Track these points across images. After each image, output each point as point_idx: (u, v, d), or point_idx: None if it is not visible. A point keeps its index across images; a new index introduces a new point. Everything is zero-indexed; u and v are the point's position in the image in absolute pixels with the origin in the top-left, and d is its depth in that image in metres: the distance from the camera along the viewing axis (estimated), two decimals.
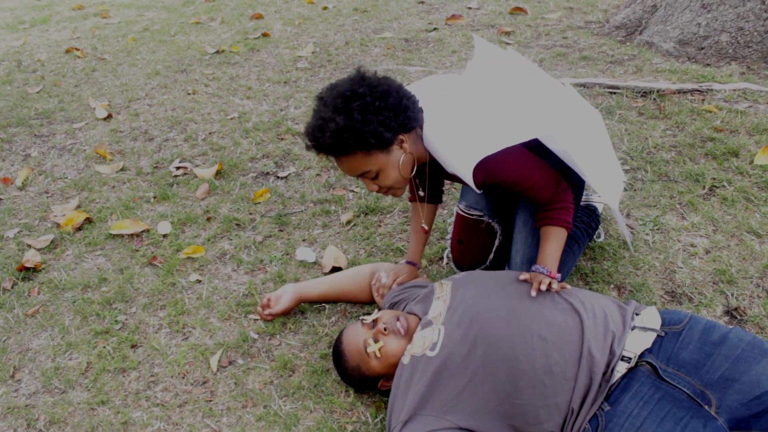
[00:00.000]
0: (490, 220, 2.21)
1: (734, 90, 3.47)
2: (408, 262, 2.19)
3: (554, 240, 1.86)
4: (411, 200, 2.18)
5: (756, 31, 3.85)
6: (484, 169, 1.73)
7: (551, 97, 1.85)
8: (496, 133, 1.71)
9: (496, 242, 2.24)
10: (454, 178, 1.94)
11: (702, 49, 3.98)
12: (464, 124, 1.74)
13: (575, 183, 2.01)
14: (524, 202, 2.07)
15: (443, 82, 1.90)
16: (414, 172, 1.83)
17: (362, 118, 1.61)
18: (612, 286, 2.23)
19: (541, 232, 1.90)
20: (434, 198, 2.18)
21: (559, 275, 1.81)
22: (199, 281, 2.39)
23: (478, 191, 1.81)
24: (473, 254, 2.26)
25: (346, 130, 1.61)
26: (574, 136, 1.80)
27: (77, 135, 3.62)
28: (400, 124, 1.67)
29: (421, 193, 2.04)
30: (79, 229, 2.74)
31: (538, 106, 1.80)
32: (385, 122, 1.63)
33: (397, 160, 1.72)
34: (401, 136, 1.70)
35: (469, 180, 1.71)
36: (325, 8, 5.76)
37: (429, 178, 2.02)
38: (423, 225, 2.15)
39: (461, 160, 1.70)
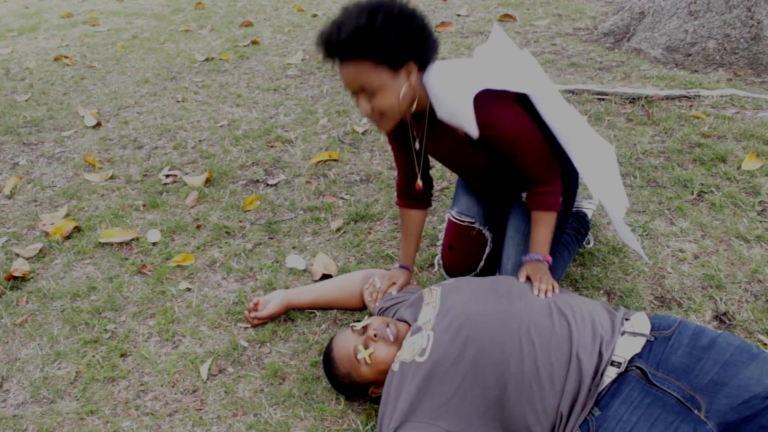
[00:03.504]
0: (482, 227, 2.21)
1: (721, 96, 3.50)
2: (401, 267, 2.18)
3: (545, 225, 1.88)
4: (399, 204, 2.16)
5: (742, 37, 3.89)
6: (485, 112, 1.70)
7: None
8: (502, 77, 1.72)
9: (487, 249, 2.24)
10: (450, 141, 1.88)
11: (689, 55, 4.01)
12: (469, 68, 1.75)
13: (569, 173, 2.01)
14: (515, 209, 2.07)
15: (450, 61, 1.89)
16: (411, 112, 1.77)
17: (383, 27, 1.56)
18: (602, 291, 2.23)
19: (532, 216, 1.91)
20: (426, 193, 2.13)
21: (551, 258, 1.86)
22: (188, 289, 2.38)
23: (475, 135, 1.74)
24: (464, 261, 2.26)
25: (365, 32, 1.56)
26: (579, 129, 1.84)
27: (66, 143, 3.61)
28: (417, 49, 1.64)
29: (417, 146, 1.95)
30: (68, 237, 2.72)
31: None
32: (404, 39, 1.60)
33: (399, 87, 1.66)
34: (412, 64, 1.66)
35: (470, 118, 1.68)
36: (314, 16, 5.77)
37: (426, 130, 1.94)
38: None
39: (462, 93, 1.68)
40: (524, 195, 2.02)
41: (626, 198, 2.06)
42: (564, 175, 1.97)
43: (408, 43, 1.61)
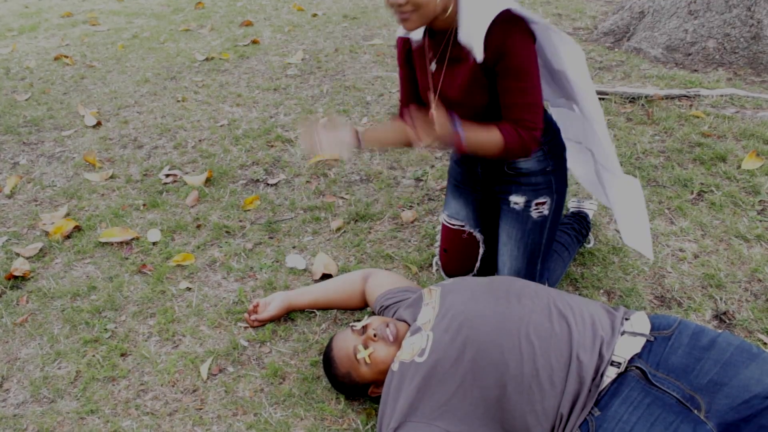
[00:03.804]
0: (472, 230, 2.21)
1: (721, 96, 3.50)
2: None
3: (489, 134, 1.80)
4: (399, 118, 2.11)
5: (742, 37, 3.89)
6: (504, 33, 1.71)
7: None
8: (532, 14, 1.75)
9: (480, 251, 2.25)
10: (463, 68, 1.85)
11: (689, 55, 4.01)
12: None
13: (559, 173, 2.03)
14: (505, 214, 2.07)
15: None
16: (442, 17, 1.76)
17: None
18: (602, 291, 2.24)
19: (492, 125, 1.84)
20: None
21: (462, 134, 1.77)
22: (188, 289, 2.38)
23: (480, 59, 1.75)
24: (459, 263, 2.27)
25: None
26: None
27: (66, 143, 3.61)
28: None
29: (433, 67, 1.92)
30: (68, 237, 2.72)
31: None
32: None
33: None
34: None
35: (481, 37, 1.71)
36: (314, 15, 5.77)
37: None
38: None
39: (487, 9, 1.71)
40: (512, 198, 2.03)
41: (650, 246, 2.06)
42: (553, 174, 1.99)
43: None
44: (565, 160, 2.07)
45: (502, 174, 2.04)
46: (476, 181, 2.14)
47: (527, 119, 1.79)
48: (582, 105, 1.98)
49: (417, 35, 1.92)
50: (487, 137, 1.79)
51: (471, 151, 1.81)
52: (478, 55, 1.74)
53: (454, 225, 2.22)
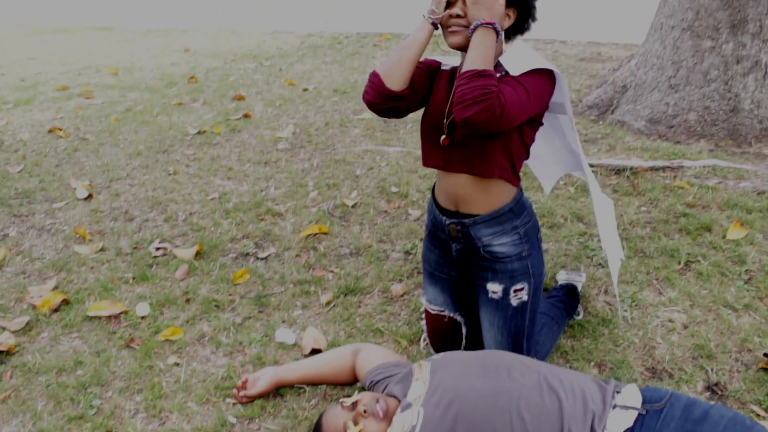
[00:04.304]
0: (452, 314, 2.22)
1: (704, 166, 3.58)
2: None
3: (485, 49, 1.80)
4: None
5: (721, 109, 4.01)
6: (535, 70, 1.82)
7: None
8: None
9: (464, 331, 2.25)
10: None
11: (672, 127, 4.12)
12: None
13: (535, 255, 2.06)
14: (483, 302, 2.08)
15: None
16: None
17: None
18: (592, 363, 2.23)
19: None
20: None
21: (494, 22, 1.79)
22: (177, 364, 2.36)
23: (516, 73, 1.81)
24: (446, 343, 2.27)
25: None
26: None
27: (57, 215, 3.62)
28: (522, 6, 1.87)
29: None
30: (56, 310, 2.70)
31: None
32: None
33: (499, 14, 1.80)
34: (512, 12, 1.88)
35: (521, 69, 1.80)
36: (305, 90, 5.89)
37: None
38: None
39: (533, 57, 1.84)
40: (489, 287, 2.04)
41: (621, 251, 2.16)
42: (529, 258, 2.02)
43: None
44: (540, 240, 2.10)
45: (478, 257, 2.04)
46: (451, 265, 2.16)
47: (506, 95, 1.73)
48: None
49: (453, 62, 1.99)
50: (483, 57, 1.77)
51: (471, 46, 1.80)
52: (514, 71, 1.81)
53: (434, 310, 2.23)
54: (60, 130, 5.11)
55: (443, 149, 1.97)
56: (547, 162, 2.45)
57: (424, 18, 1.87)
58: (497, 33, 1.78)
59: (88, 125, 5.30)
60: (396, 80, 1.88)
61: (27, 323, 2.63)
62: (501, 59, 1.88)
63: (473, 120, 1.69)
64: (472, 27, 1.78)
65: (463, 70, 1.75)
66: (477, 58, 1.74)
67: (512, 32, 1.93)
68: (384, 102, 1.90)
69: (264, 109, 5.41)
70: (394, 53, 1.89)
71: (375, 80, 1.89)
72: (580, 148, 2.15)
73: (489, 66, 1.74)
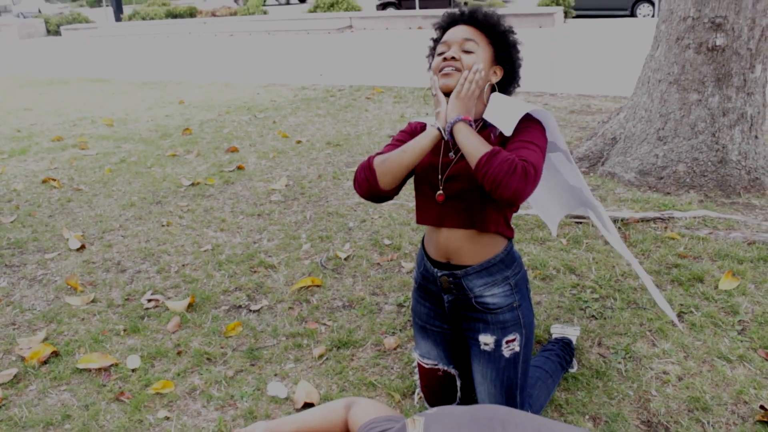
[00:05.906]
0: (446, 368, 2.22)
1: (694, 217, 3.63)
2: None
3: (472, 136, 1.85)
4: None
5: (710, 161, 4.08)
6: (529, 118, 1.93)
7: None
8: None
9: (458, 383, 2.24)
10: None
11: (661, 178, 4.18)
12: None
13: (526, 314, 2.07)
14: (476, 355, 2.07)
15: None
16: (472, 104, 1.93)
17: (507, 30, 2.01)
18: (587, 416, 2.22)
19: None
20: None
21: (463, 118, 1.87)
22: (167, 418, 2.33)
23: (509, 133, 1.88)
24: (440, 396, 2.26)
25: (503, 24, 2.00)
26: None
27: (49, 265, 3.61)
28: (510, 65, 2.02)
29: (451, 155, 2.00)
30: (45, 362, 2.68)
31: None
32: (510, 50, 2.01)
33: (486, 65, 1.95)
34: (499, 69, 2.02)
35: (515, 119, 1.88)
36: (299, 142, 5.96)
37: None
38: None
39: (519, 105, 1.92)
40: (481, 339, 2.04)
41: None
42: (520, 309, 2.03)
43: (509, 55, 2.01)
44: (529, 291, 2.12)
45: (470, 308, 2.04)
46: (443, 318, 2.16)
47: (526, 156, 1.78)
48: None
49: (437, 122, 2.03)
50: (476, 140, 1.83)
51: (460, 139, 1.85)
52: (508, 131, 1.87)
53: (427, 364, 2.23)
54: (54, 180, 5.13)
55: (439, 205, 2.00)
56: (547, 204, 2.50)
57: (431, 126, 1.95)
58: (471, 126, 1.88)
59: (82, 176, 5.32)
60: (390, 181, 1.96)
61: (15, 375, 2.60)
62: (486, 117, 1.95)
63: (520, 191, 1.74)
64: (449, 124, 1.87)
65: (473, 162, 1.80)
66: (476, 146, 1.81)
67: (504, 82, 2.07)
68: (375, 198, 2.01)
69: (257, 161, 5.45)
70: (394, 154, 1.94)
71: (370, 177, 1.96)
72: (581, 181, 2.21)
73: (489, 146, 1.79)
